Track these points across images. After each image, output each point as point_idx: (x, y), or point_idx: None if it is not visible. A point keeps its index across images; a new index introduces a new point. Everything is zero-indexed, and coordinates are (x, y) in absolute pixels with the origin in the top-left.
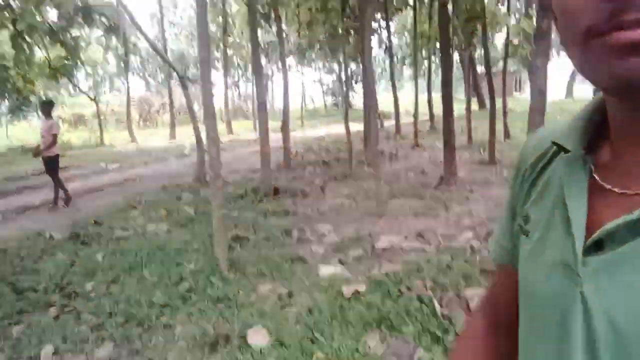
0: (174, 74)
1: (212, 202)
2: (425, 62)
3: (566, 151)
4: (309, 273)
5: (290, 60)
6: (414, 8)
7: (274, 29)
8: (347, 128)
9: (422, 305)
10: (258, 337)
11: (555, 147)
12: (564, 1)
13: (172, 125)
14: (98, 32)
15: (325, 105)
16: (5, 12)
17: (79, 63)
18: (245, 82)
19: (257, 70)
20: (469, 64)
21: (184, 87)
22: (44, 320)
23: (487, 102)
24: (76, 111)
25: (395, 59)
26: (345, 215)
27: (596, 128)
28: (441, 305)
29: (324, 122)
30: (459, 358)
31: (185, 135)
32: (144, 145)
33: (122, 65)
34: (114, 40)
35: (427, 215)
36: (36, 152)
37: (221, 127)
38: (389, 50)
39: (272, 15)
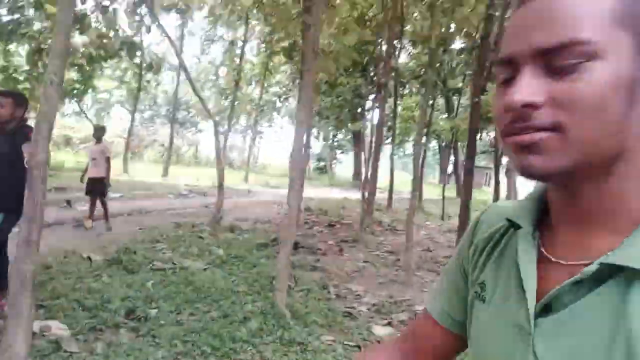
0: (170, 115)
1: (282, 248)
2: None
3: (518, 227)
4: (364, 330)
5: (285, 121)
6: (425, 95)
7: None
8: (362, 194)
9: None
10: None
11: (508, 223)
12: (494, 111)
13: (167, 163)
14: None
15: (309, 168)
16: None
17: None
18: (233, 133)
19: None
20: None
21: (217, 132)
22: (122, 341)
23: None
24: (64, 133)
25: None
26: (370, 278)
27: (543, 207)
28: None
29: (308, 184)
30: None
31: (175, 175)
32: (136, 178)
33: (131, 98)
34: (128, 74)
35: None
36: (86, 175)
37: (211, 172)
38: (392, 130)
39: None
